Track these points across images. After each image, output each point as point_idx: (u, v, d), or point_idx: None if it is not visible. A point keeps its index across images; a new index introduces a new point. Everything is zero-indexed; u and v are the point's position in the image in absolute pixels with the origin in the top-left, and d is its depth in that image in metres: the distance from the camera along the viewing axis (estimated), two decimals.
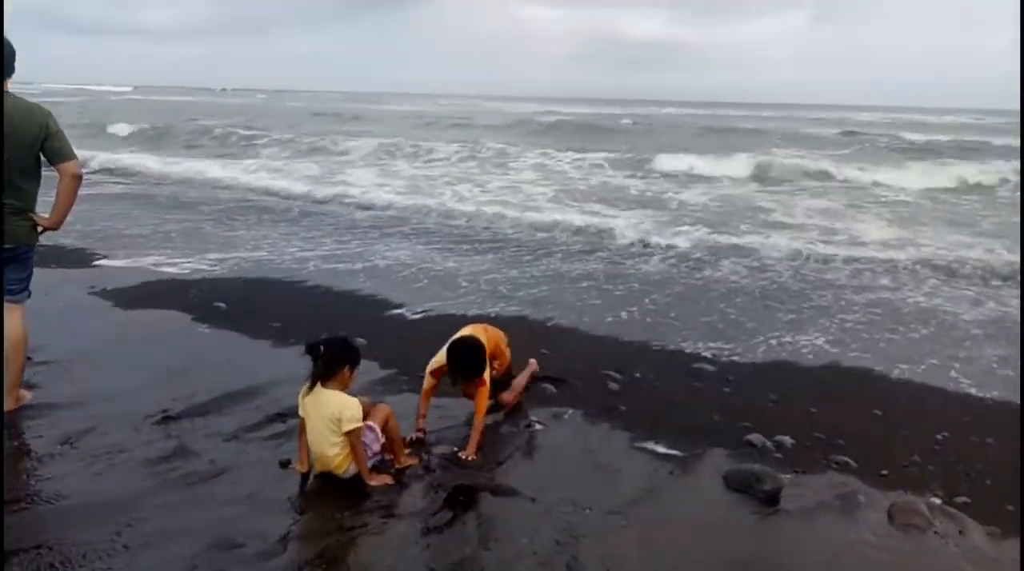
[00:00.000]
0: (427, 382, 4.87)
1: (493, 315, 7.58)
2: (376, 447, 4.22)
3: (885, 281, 9.80)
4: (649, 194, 17.40)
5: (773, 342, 7.12)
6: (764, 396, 5.77)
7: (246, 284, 8.79)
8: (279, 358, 6.13)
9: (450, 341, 4.83)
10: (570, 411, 5.29)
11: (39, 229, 4.65)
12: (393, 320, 7.38)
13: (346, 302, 8.19)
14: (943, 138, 32.77)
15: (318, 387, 4.06)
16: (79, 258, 9.77)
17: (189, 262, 9.80)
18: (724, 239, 11.93)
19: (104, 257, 9.88)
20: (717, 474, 4.44)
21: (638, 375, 6.12)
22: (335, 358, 4.08)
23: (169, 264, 9.66)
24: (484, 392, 4.72)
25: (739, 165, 21.44)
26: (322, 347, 4.06)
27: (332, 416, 3.96)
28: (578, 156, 23.98)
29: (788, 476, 4.39)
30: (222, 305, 7.68)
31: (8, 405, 4.61)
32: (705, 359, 6.54)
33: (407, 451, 4.40)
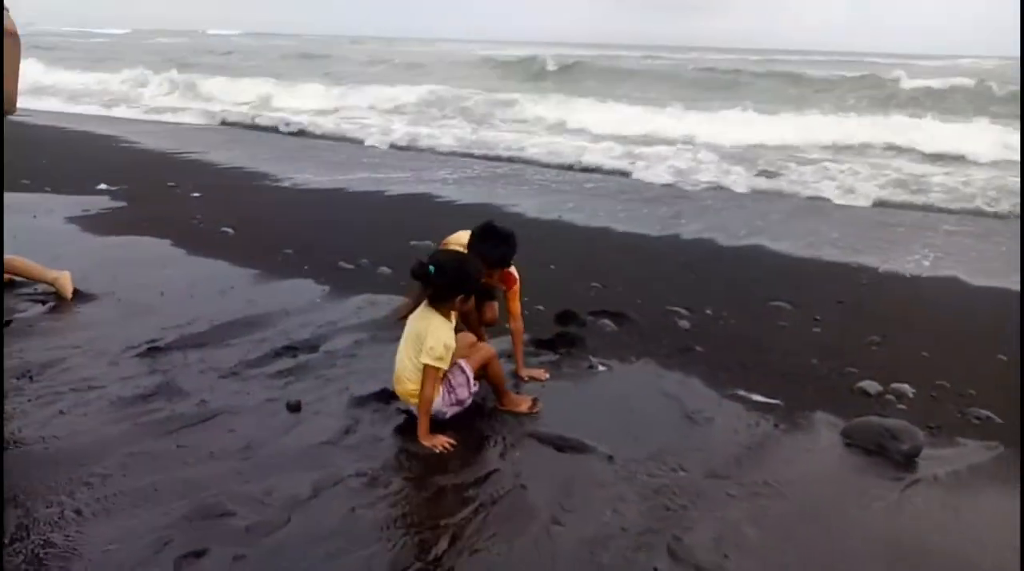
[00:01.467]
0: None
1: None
2: (464, 393, 3.37)
3: None
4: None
5: (863, 278, 6.15)
6: (863, 337, 4.82)
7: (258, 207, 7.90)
8: (292, 288, 5.24)
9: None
10: (638, 352, 4.37)
11: None
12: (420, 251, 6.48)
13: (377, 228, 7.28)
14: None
15: (425, 304, 3.29)
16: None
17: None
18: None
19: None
20: (832, 429, 3.53)
21: (709, 312, 5.19)
22: (448, 284, 3.25)
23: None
24: (517, 289, 3.89)
25: None
26: (432, 268, 3.19)
27: (419, 334, 3.24)
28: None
29: (922, 434, 3.46)
30: (229, 230, 6.81)
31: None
32: (784, 297, 5.57)
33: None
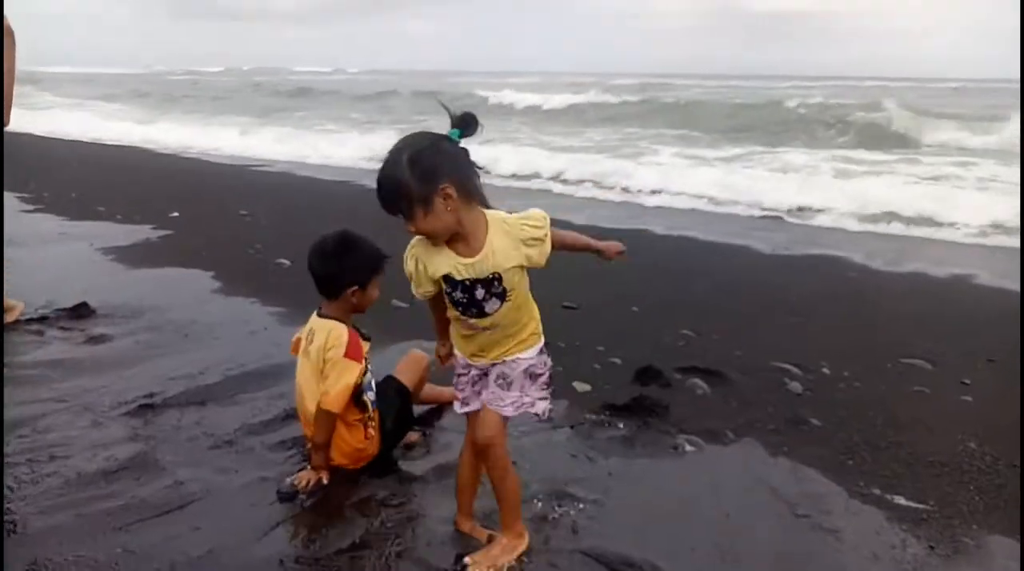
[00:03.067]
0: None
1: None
2: None
3: None
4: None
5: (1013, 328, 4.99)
6: None
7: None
8: None
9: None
10: (736, 425, 3.46)
11: None
12: None
13: None
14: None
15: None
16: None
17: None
18: None
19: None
20: (1012, 556, 2.53)
21: (827, 371, 4.20)
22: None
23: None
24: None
25: None
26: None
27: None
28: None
29: None
30: (285, 262, 6.27)
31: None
32: (918, 353, 4.51)
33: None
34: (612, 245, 2.44)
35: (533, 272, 2.26)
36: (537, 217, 2.18)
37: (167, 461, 2.88)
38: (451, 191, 2.04)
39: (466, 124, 2.13)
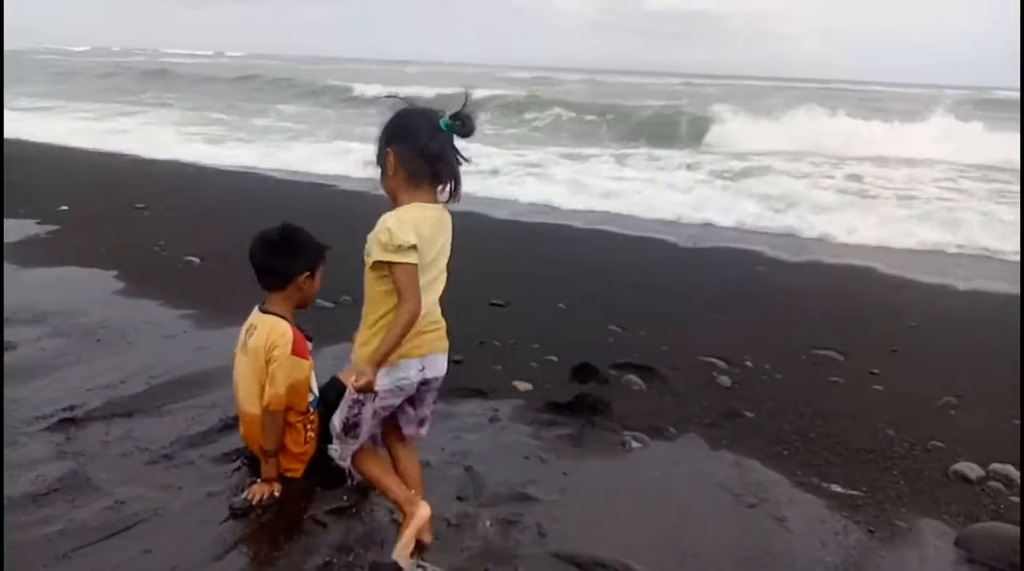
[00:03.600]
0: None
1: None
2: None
3: None
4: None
5: (912, 320, 5.37)
6: (934, 396, 4.04)
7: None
8: None
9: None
10: (676, 419, 3.56)
11: None
12: None
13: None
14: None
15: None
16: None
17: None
18: None
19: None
20: (943, 537, 2.73)
21: (749, 364, 4.39)
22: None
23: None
24: None
25: None
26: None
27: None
28: None
29: None
30: (195, 260, 5.98)
31: None
32: (828, 344, 4.77)
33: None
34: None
35: (458, 268, 2.30)
36: (383, 235, 2.12)
37: (101, 479, 2.69)
38: (391, 158, 2.15)
39: (460, 121, 2.13)
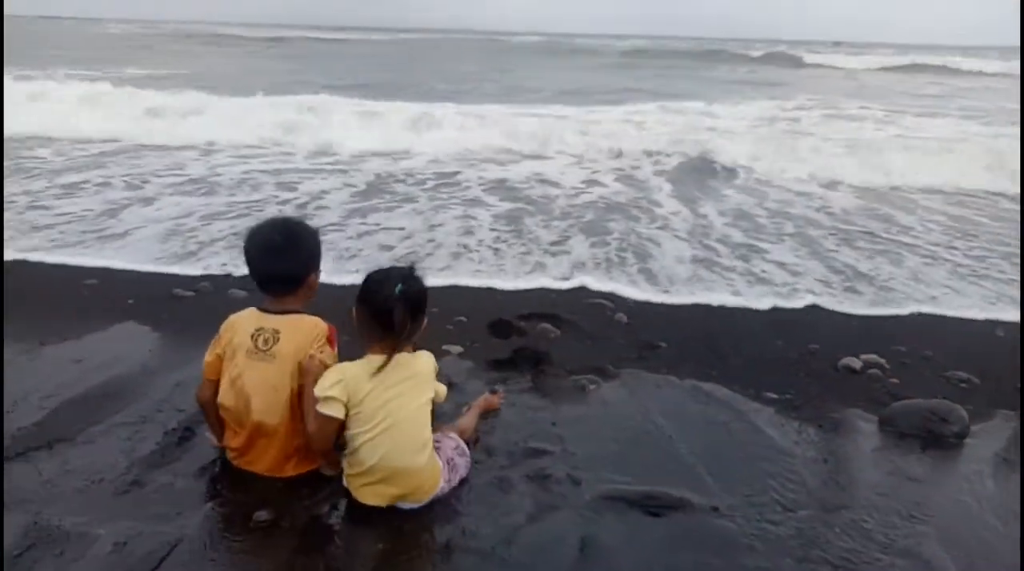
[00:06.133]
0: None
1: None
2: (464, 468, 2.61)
3: None
4: None
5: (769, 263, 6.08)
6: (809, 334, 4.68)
7: None
8: (118, 335, 3.91)
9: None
10: (610, 359, 3.78)
11: None
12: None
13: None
14: None
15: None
16: None
17: None
18: None
19: None
20: (866, 420, 3.24)
21: (631, 299, 4.75)
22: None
23: None
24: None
25: None
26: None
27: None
28: None
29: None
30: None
31: None
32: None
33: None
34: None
35: None
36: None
37: (76, 523, 2.28)
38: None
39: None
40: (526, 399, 3.29)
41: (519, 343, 3.88)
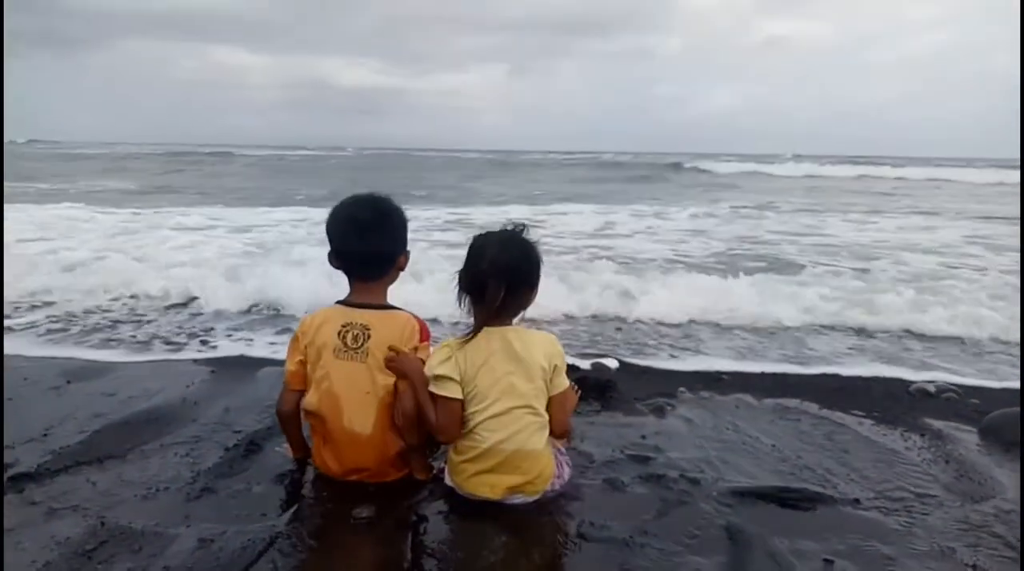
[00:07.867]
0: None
1: None
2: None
3: None
4: None
5: None
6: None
7: None
8: (157, 369, 3.64)
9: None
10: (669, 389, 3.59)
11: None
12: None
13: None
14: None
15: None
16: None
17: None
18: None
19: None
20: (962, 431, 3.06)
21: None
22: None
23: None
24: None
25: None
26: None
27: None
28: None
29: None
30: None
31: None
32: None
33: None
34: None
35: None
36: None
37: (148, 525, 2.00)
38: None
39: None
40: (604, 419, 3.07)
41: (579, 374, 3.68)
